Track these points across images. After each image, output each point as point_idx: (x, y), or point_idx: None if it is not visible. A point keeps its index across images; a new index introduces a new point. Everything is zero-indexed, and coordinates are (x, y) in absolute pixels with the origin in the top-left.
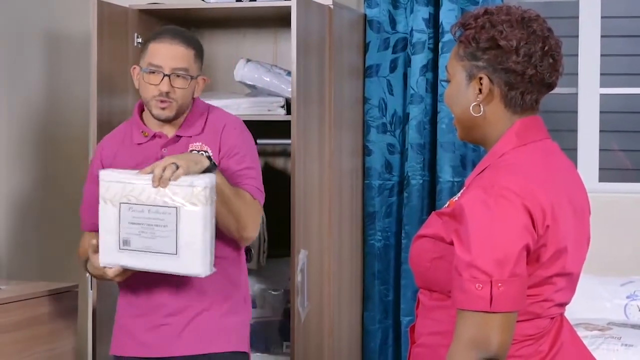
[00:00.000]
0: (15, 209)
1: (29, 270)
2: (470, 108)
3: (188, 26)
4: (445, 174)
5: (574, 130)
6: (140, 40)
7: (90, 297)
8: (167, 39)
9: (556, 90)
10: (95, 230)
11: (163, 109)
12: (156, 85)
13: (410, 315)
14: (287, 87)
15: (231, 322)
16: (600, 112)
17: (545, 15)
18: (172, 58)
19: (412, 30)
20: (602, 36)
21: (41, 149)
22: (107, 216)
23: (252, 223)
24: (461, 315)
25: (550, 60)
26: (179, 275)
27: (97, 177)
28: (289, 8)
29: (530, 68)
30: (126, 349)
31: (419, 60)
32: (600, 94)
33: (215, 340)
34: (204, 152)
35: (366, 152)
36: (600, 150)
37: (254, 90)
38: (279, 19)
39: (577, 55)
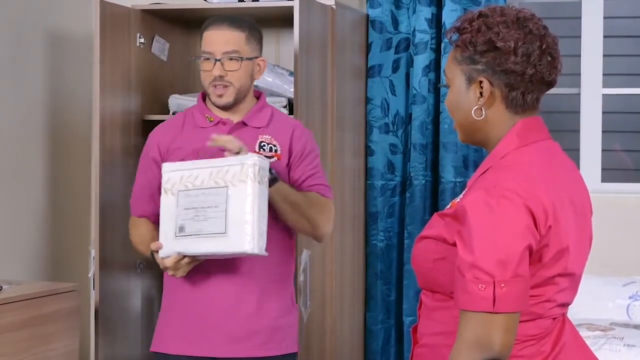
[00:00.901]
0: (18, 209)
1: (32, 270)
2: (472, 112)
3: (190, 26)
4: (448, 174)
5: (576, 131)
6: (142, 40)
7: (92, 297)
8: (215, 25)
9: (559, 90)
10: (144, 215)
11: (220, 95)
12: (210, 71)
13: (413, 316)
14: (289, 87)
15: (284, 323)
16: (603, 112)
17: (547, 16)
18: (221, 43)
19: (414, 30)
20: (604, 36)
21: (43, 148)
22: (166, 206)
23: (324, 221)
24: (464, 316)
25: (549, 58)
26: (232, 256)
27: (155, 164)
28: (291, 8)
29: (529, 67)
30: (172, 346)
31: (422, 60)
32: (603, 95)
33: (270, 342)
34: (272, 146)
35: (368, 152)
36: (602, 150)
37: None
38: (281, 19)
39: (579, 55)
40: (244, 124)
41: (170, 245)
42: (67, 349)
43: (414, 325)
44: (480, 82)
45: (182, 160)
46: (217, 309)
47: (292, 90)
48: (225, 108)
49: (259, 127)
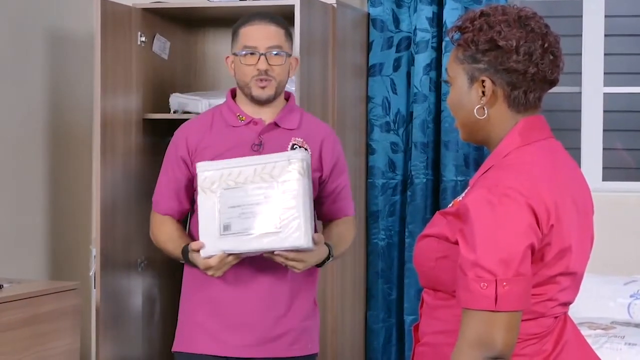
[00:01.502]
0: (19, 207)
1: (33, 269)
2: (475, 111)
3: (191, 25)
4: (449, 173)
5: (577, 129)
6: (143, 39)
7: (93, 295)
8: (257, 21)
9: (560, 89)
10: (169, 213)
11: (263, 87)
12: (254, 66)
13: (414, 314)
14: (290, 86)
15: (310, 325)
16: (604, 111)
17: (548, 14)
18: (265, 37)
19: (415, 29)
20: (605, 35)
21: (45, 147)
22: (207, 206)
23: (352, 238)
24: (466, 315)
25: (551, 57)
26: (280, 255)
27: (183, 162)
28: (292, 7)
29: (531, 66)
30: (199, 346)
31: (423, 59)
32: (604, 93)
33: (296, 343)
34: (304, 149)
35: (369, 151)
36: (603, 149)
37: None
38: (282, 18)
39: (580, 54)
40: (276, 124)
41: (215, 244)
42: (68, 347)
43: (415, 324)
44: (483, 81)
45: (212, 159)
46: (249, 309)
47: (293, 89)
48: (264, 102)
49: (291, 129)
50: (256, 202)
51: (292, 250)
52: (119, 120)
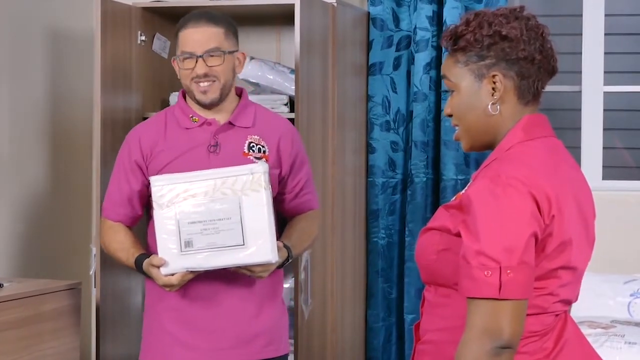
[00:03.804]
0: (19, 207)
1: (33, 268)
2: (489, 108)
3: None
4: (449, 172)
5: (577, 128)
6: (143, 38)
7: (93, 294)
8: (192, 23)
9: (560, 88)
10: (120, 220)
11: (205, 92)
12: (192, 69)
13: (414, 313)
14: (290, 85)
15: (281, 325)
16: (604, 110)
17: (548, 13)
18: (200, 41)
19: (415, 27)
20: (605, 34)
21: (45, 146)
22: (164, 222)
23: (315, 233)
24: (471, 305)
25: (549, 45)
26: (245, 267)
27: (137, 166)
28: (292, 6)
29: (537, 54)
30: (174, 356)
31: (423, 58)
32: (604, 92)
33: (271, 344)
34: (261, 147)
35: (370, 149)
36: (604, 148)
37: (257, 88)
38: (282, 17)
39: (580, 53)
40: (230, 124)
41: (176, 262)
42: (68, 346)
43: (416, 323)
44: (494, 75)
45: (168, 164)
46: (219, 314)
47: (293, 88)
48: (210, 106)
49: (247, 127)
50: (218, 217)
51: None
52: (119, 119)
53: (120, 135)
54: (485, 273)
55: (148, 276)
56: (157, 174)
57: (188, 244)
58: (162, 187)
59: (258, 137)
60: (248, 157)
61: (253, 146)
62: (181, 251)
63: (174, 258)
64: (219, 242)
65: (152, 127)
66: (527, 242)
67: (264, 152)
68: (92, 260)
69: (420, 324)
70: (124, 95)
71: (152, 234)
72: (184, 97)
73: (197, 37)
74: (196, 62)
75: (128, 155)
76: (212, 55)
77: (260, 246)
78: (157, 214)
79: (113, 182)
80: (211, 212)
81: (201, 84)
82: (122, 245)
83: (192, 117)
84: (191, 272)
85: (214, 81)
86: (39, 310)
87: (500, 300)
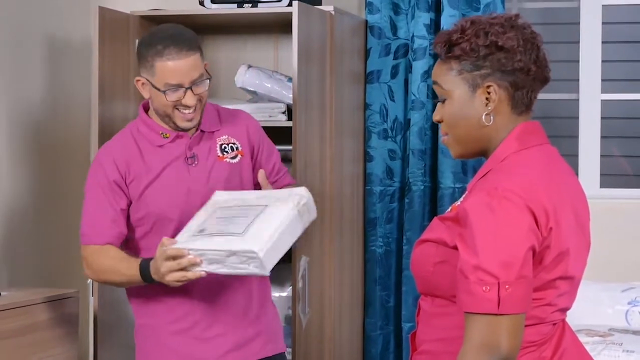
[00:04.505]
0: (17, 215)
1: (30, 277)
2: (483, 118)
3: None
4: (446, 180)
5: (575, 136)
6: None
7: (91, 303)
8: (174, 53)
9: (557, 96)
10: (109, 242)
11: (190, 120)
12: (179, 100)
13: (412, 322)
14: (288, 93)
15: (278, 322)
16: (602, 118)
17: (546, 22)
18: (186, 71)
19: (413, 36)
20: (603, 42)
21: (42, 154)
22: (198, 217)
23: None
24: (469, 320)
25: (543, 54)
26: (237, 271)
27: (117, 187)
28: (290, 14)
29: (532, 64)
30: None
31: (420, 66)
32: (602, 100)
33: (269, 343)
34: (232, 145)
35: (367, 158)
36: (601, 156)
37: (255, 97)
38: (280, 25)
39: (578, 61)
40: (201, 131)
41: (184, 243)
42: (65, 355)
43: (413, 332)
44: (488, 86)
45: (150, 183)
46: (219, 320)
47: (291, 96)
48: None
49: (214, 131)
50: (239, 215)
51: (246, 256)
52: (117, 127)
53: None
54: (484, 288)
55: (152, 281)
56: (140, 195)
57: (202, 230)
58: (218, 197)
59: (227, 137)
60: (224, 160)
61: (225, 147)
62: (193, 235)
63: (182, 238)
64: (224, 230)
65: (124, 148)
66: (525, 256)
67: (237, 148)
68: None
69: (416, 333)
70: (122, 104)
71: (144, 249)
72: (146, 110)
73: (182, 69)
74: (185, 93)
75: (105, 177)
76: (197, 84)
77: (253, 238)
78: (198, 214)
79: (91, 206)
80: (238, 212)
81: (186, 112)
82: (120, 258)
83: (162, 133)
84: (186, 258)
85: (197, 107)
86: (36, 319)
87: (498, 315)
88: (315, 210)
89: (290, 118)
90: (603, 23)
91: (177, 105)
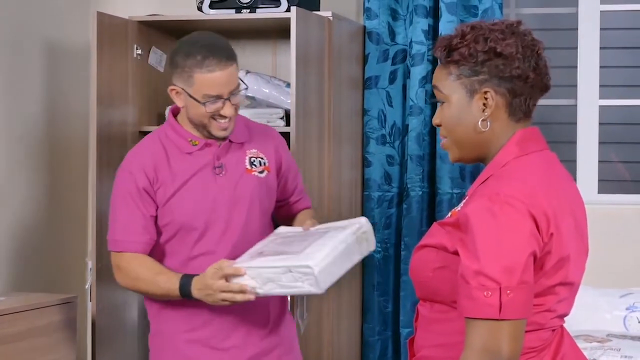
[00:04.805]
0: (15, 220)
1: (28, 282)
2: (479, 124)
3: None
4: (445, 186)
5: (573, 142)
6: (139, 51)
7: (89, 308)
8: (214, 65)
9: (555, 102)
10: (140, 250)
11: (225, 129)
12: (217, 111)
13: (410, 327)
14: (286, 99)
15: (295, 334)
16: (600, 123)
17: (544, 27)
18: (227, 83)
19: (411, 41)
20: (601, 48)
21: (40, 160)
22: (259, 244)
23: None
24: (470, 325)
25: (543, 62)
26: (292, 290)
27: (146, 194)
28: (288, 20)
29: (531, 72)
30: None
31: (418, 71)
32: (600, 106)
33: (287, 354)
34: (260, 160)
35: (365, 163)
36: (599, 161)
37: (253, 102)
38: (278, 31)
39: (576, 67)
40: (229, 141)
41: (240, 262)
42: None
43: (411, 338)
44: (485, 92)
45: (177, 191)
46: (235, 330)
47: (289, 101)
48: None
49: (243, 142)
50: (299, 239)
51: (300, 272)
52: (115, 132)
53: (116, 149)
54: (485, 294)
55: (190, 297)
56: (165, 202)
57: (261, 253)
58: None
59: (256, 151)
60: (252, 173)
61: (254, 160)
62: (251, 257)
63: (243, 260)
64: (281, 250)
65: (152, 155)
66: (527, 262)
67: (264, 164)
68: (88, 274)
69: (414, 339)
70: (120, 109)
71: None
72: (175, 117)
73: (221, 80)
74: (223, 104)
75: (134, 184)
76: (234, 94)
77: (308, 254)
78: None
79: (122, 213)
80: (299, 237)
81: (222, 121)
82: (156, 269)
83: (191, 140)
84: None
85: (233, 116)
86: (35, 324)
87: (499, 320)
88: (374, 243)
89: (288, 123)
90: (601, 29)
91: (214, 115)
